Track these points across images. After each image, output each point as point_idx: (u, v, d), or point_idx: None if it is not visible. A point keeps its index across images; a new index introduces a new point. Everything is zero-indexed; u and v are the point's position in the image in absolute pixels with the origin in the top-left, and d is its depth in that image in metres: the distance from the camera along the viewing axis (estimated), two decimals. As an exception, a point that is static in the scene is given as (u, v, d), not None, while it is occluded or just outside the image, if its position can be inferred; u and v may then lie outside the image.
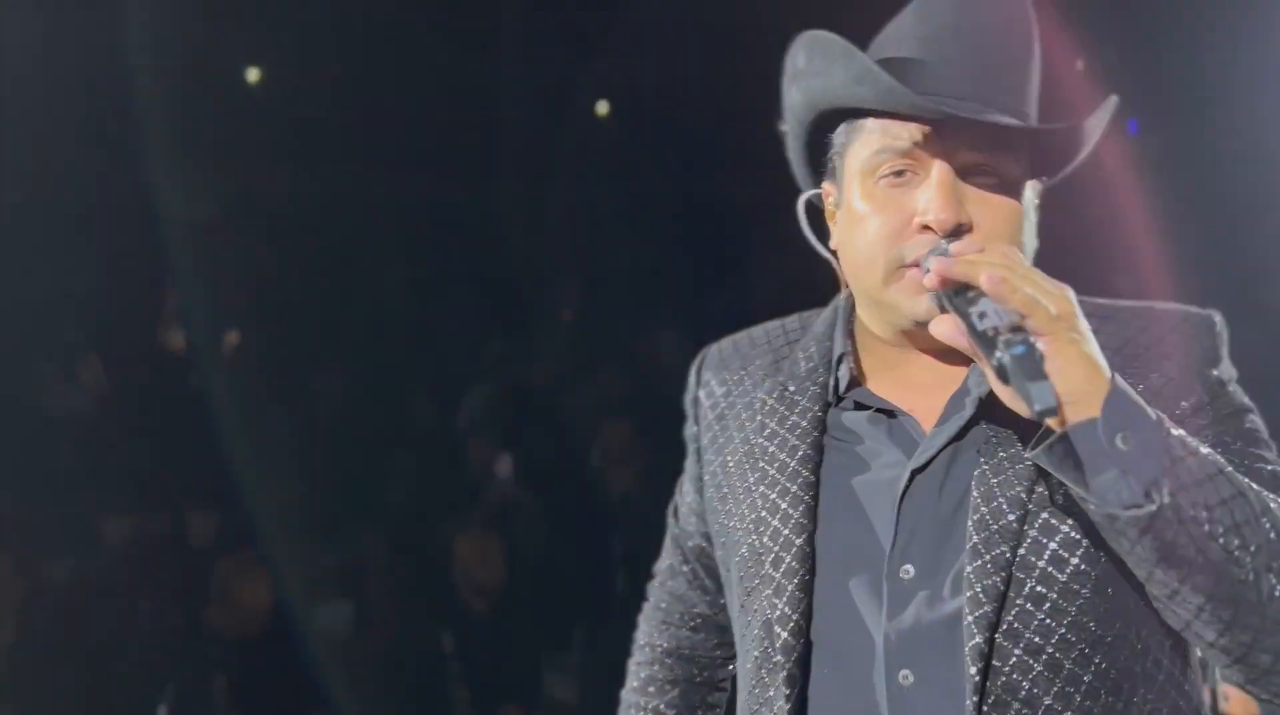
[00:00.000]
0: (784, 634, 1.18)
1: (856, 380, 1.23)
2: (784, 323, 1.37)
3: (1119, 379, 1.01)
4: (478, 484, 5.71)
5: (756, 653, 1.21)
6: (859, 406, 1.23)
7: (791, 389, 1.26)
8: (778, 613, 1.18)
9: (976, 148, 1.14)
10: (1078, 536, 1.09)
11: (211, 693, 3.87)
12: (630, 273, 7.54)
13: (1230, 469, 1.04)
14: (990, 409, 1.13)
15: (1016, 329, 0.99)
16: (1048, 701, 1.08)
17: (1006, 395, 1.02)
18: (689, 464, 1.40)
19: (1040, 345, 0.99)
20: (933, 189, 1.13)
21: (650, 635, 1.49)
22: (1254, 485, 1.05)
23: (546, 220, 7.70)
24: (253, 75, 7.91)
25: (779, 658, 1.18)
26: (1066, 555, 1.10)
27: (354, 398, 6.54)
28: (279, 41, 7.29)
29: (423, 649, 4.40)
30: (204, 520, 4.97)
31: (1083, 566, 1.09)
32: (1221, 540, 0.99)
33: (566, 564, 5.17)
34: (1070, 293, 1.04)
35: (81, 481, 5.04)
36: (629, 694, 1.49)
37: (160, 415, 5.63)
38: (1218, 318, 1.21)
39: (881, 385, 1.23)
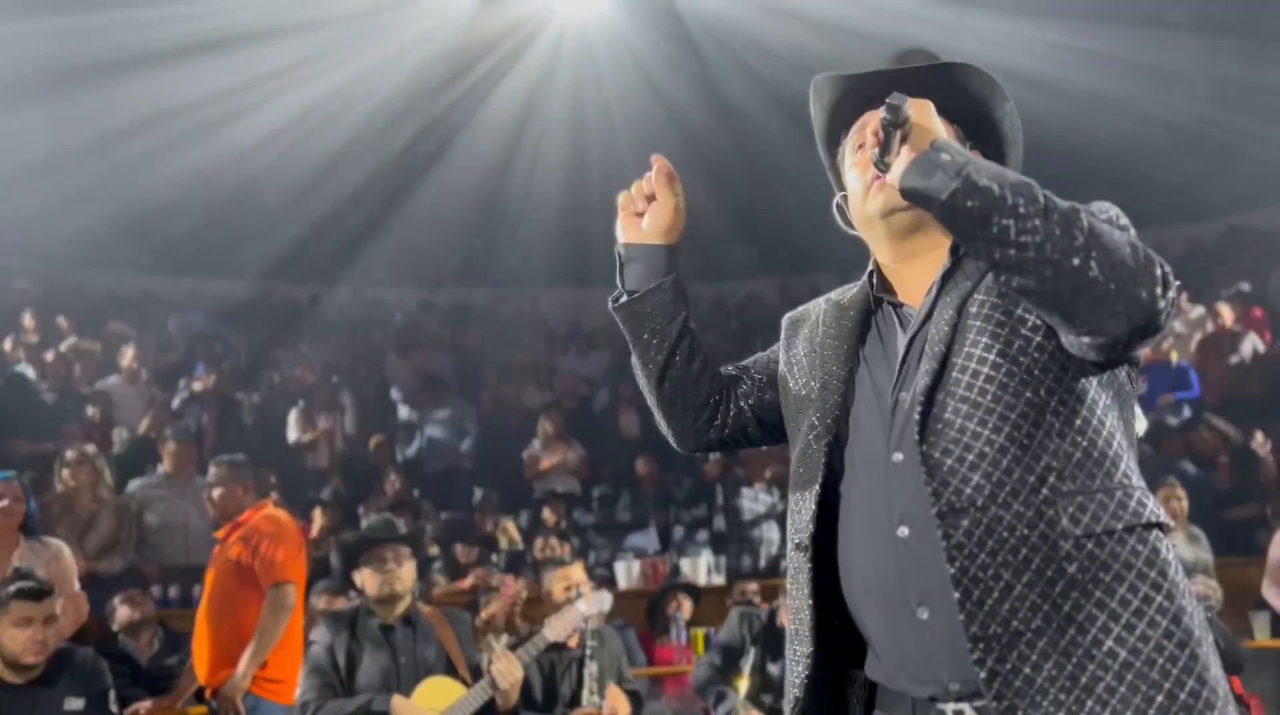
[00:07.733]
0: (814, 438, 1.88)
1: (888, 287, 1.90)
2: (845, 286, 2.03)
3: (953, 142, 1.65)
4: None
5: (810, 444, 1.88)
6: (885, 309, 1.91)
7: (845, 305, 1.95)
8: (828, 421, 1.86)
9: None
10: (986, 347, 1.72)
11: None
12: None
13: (1017, 177, 1.61)
14: (940, 292, 1.80)
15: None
16: (972, 426, 1.69)
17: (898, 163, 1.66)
18: (769, 354, 2.09)
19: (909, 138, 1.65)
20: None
21: None
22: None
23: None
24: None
25: (816, 448, 1.86)
26: (984, 353, 1.73)
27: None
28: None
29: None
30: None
31: (990, 357, 1.72)
32: (999, 193, 1.57)
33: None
34: (926, 111, 1.68)
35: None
36: None
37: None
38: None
39: (894, 291, 1.91)
